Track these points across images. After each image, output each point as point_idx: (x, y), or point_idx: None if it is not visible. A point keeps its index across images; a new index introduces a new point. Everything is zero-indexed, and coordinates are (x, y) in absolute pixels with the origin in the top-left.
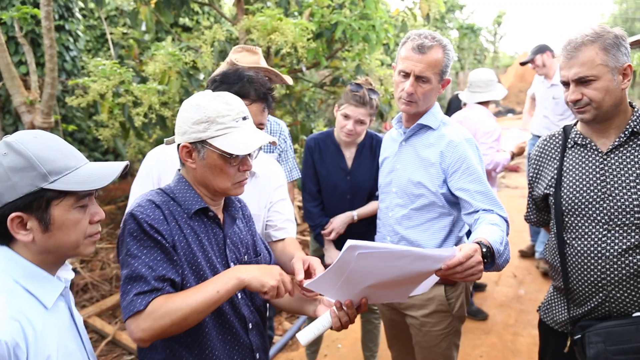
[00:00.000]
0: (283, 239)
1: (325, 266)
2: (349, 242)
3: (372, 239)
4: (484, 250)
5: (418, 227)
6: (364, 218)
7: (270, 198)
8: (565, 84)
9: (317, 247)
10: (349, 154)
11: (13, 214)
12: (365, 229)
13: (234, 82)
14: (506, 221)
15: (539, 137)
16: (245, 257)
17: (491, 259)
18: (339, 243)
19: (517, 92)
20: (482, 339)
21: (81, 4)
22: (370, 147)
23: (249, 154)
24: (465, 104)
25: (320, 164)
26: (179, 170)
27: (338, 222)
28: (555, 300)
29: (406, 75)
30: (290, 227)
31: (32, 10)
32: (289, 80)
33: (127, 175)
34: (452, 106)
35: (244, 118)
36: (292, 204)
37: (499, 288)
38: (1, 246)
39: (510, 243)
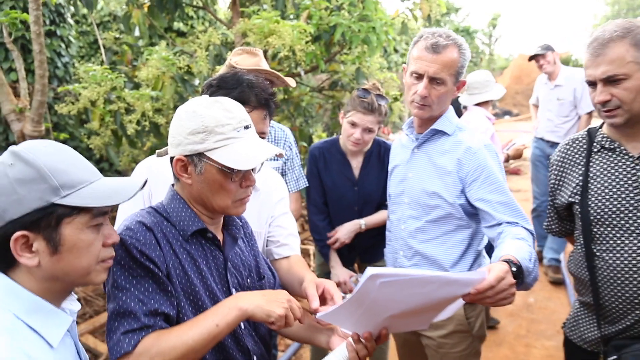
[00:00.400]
0: (287, 257)
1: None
2: (370, 271)
3: (381, 251)
4: (514, 270)
5: (434, 240)
6: (372, 228)
7: (272, 212)
8: (592, 84)
9: (322, 261)
10: (356, 163)
11: (18, 233)
12: (374, 240)
13: (233, 87)
14: (532, 234)
15: (541, 140)
16: (248, 280)
17: (520, 278)
18: (344, 258)
19: (513, 94)
20: (493, 352)
21: (73, 10)
22: (378, 155)
23: (253, 168)
24: (465, 108)
25: (325, 175)
26: (173, 185)
27: (344, 231)
28: (583, 316)
29: (419, 76)
30: (294, 242)
31: (20, 15)
32: (292, 82)
33: None
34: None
35: (246, 127)
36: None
37: None
38: (0, 274)
39: None
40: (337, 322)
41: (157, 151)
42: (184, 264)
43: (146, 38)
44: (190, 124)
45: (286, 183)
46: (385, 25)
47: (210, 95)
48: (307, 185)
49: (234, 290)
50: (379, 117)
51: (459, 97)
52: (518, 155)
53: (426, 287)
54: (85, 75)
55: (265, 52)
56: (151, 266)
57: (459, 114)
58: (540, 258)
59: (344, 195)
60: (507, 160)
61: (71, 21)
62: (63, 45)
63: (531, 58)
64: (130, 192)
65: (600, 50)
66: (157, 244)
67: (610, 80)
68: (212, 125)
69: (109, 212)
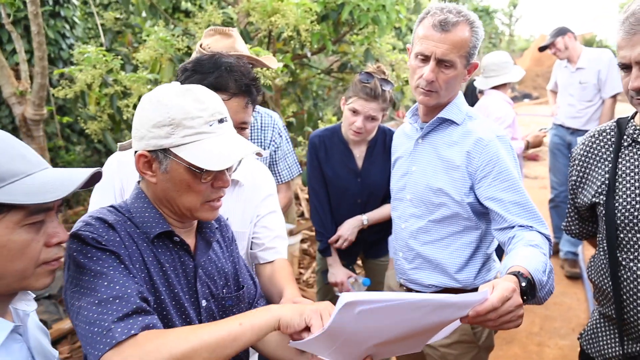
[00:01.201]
0: (272, 261)
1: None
2: (345, 298)
3: (386, 247)
4: (524, 285)
5: (437, 242)
6: (376, 223)
7: (257, 211)
8: (625, 67)
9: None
10: (359, 153)
11: None
12: (378, 235)
13: (209, 70)
14: (548, 240)
15: (561, 126)
16: (224, 290)
17: (531, 293)
18: (347, 253)
19: (534, 76)
20: (503, 350)
21: None
22: (383, 143)
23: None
24: (480, 92)
25: (326, 165)
26: (139, 182)
27: (346, 229)
28: (603, 329)
29: (425, 58)
30: (281, 245)
31: None
32: (273, 63)
33: None
34: (468, 94)
35: (221, 120)
36: (286, 207)
37: None
38: None
39: None
40: (314, 351)
41: (119, 144)
42: (150, 267)
43: (150, 18)
44: (155, 115)
45: (278, 173)
46: (396, 3)
47: (185, 81)
48: (300, 172)
49: (203, 301)
50: (383, 104)
51: (474, 80)
52: (538, 143)
53: (416, 312)
54: (79, 57)
55: (270, 32)
56: (119, 255)
57: (475, 99)
58: (556, 250)
59: (346, 187)
60: (527, 148)
61: (76, 2)
62: (67, 27)
63: (541, 49)
64: (69, 188)
65: (637, 27)
66: (121, 241)
67: None
68: (179, 117)
69: (56, 208)
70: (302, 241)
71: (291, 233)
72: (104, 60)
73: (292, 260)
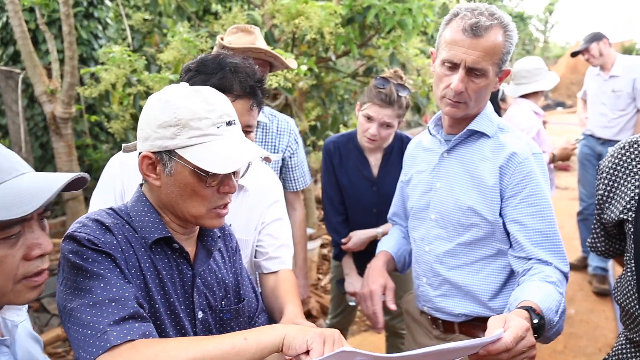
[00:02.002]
0: (276, 272)
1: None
2: (342, 348)
3: None
4: (535, 321)
5: (467, 267)
6: None
7: (263, 218)
8: None
9: (337, 263)
10: (375, 161)
11: None
12: None
13: (213, 71)
14: (566, 278)
15: (591, 136)
16: (223, 302)
17: (540, 332)
18: (360, 263)
19: (569, 84)
20: None
21: None
22: (399, 151)
23: (234, 171)
24: (503, 100)
25: (341, 172)
26: (141, 185)
27: (357, 240)
28: (630, 356)
29: (453, 66)
30: (286, 254)
31: None
32: (293, 64)
33: None
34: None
35: (229, 123)
36: (309, 215)
37: None
38: None
39: None
40: None
41: (123, 145)
42: (146, 274)
43: (179, 18)
44: (162, 115)
45: (294, 180)
46: (424, 7)
47: (188, 81)
48: (312, 180)
49: (199, 313)
50: (399, 111)
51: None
52: (566, 157)
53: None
54: (104, 57)
55: (294, 34)
56: (115, 258)
57: (497, 107)
58: (584, 265)
59: (361, 195)
60: (552, 161)
61: (109, 3)
62: (100, 27)
63: (574, 55)
64: (43, 197)
65: None
66: (118, 245)
67: None
68: (186, 118)
69: (36, 217)
70: (322, 246)
71: (310, 238)
72: (128, 61)
73: (310, 265)
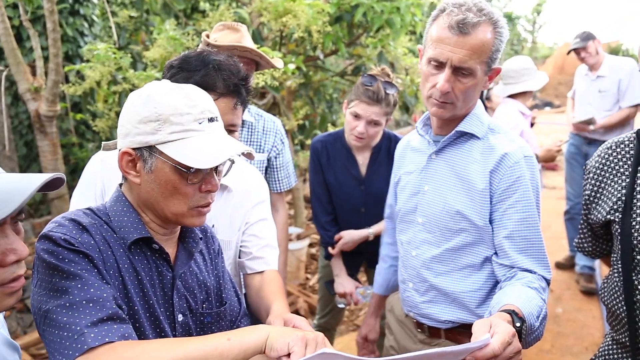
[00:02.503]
0: (261, 272)
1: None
2: (323, 350)
3: None
4: (518, 325)
5: (455, 273)
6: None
7: (247, 218)
8: None
9: (326, 263)
10: (363, 159)
11: None
12: None
13: (196, 68)
14: (548, 285)
15: (577, 136)
16: (204, 305)
17: (521, 336)
18: (349, 263)
19: (556, 84)
20: None
21: None
22: (387, 150)
23: (216, 169)
24: (487, 98)
25: (328, 172)
26: (120, 185)
27: (348, 240)
28: (616, 357)
29: (439, 65)
30: (271, 255)
31: None
32: (279, 63)
33: None
34: None
35: (211, 119)
36: (297, 215)
37: None
38: None
39: (547, 252)
40: None
41: (103, 143)
42: (125, 275)
43: (165, 16)
44: (142, 111)
45: (278, 181)
46: (412, 5)
47: (170, 78)
48: (296, 182)
49: (179, 315)
50: (386, 108)
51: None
52: (550, 158)
53: None
54: (89, 54)
55: (281, 32)
56: (93, 259)
57: (484, 107)
58: (572, 264)
59: (349, 194)
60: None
61: (95, 0)
62: (86, 25)
63: (570, 51)
64: (18, 200)
65: None
66: (95, 245)
67: None
68: (167, 113)
69: (9, 221)
70: (310, 245)
71: (299, 237)
72: (113, 58)
73: (298, 265)
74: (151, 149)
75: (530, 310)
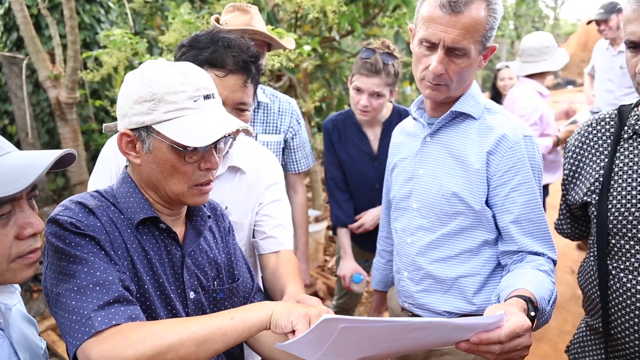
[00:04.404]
0: (277, 252)
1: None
2: (324, 317)
3: None
4: (532, 314)
5: (451, 260)
6: None
7: (261, 199)
8: (634, 45)
9: None
10: (373, 135)
11: None
12: None
13: (205, 46)
14: (555, 265)
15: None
16: (215, 282)
17: (532, 324)
18: (364, 245)
19: (579, 62)
20: (532, 347)
21: None
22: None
23: (215, 146)
24: (495, 76)
25: (341, 150)
26: (126, 167)
27: (369, 218)
28: (590, 343)
29: (432, 46)
30: (284, 235)
31: None
32: (290, 44)
33: None
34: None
35: (207, 97)
36: (314, 197)
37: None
38: None
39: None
40: (299, 354)
41: (104, 125)
42: (133, 255)
43: (180, 1)
44: (137, 91)
45: (296, 162)
46: None
47: (180, 57)
48: (314, 162)
49: (191, 293)
50: (387, 79)
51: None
52: None
53: (412, 334)
54: (105, 41)
55: (296, 13)
56: (99, 241)
57: (496, 91)
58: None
59: (362, 171)
60: (556, 144)
61: None
62: (102, 11)
63: (590, 22)
64: (34, 174)
65: None
66: (102, 227)
67: None
68: (162, 92)
69: (25, 196)
70: (329, 228)
71: (317, 220)
72: (129, 44)
73: (317, 247)
74: (148, 129)
75: (542, 294)
